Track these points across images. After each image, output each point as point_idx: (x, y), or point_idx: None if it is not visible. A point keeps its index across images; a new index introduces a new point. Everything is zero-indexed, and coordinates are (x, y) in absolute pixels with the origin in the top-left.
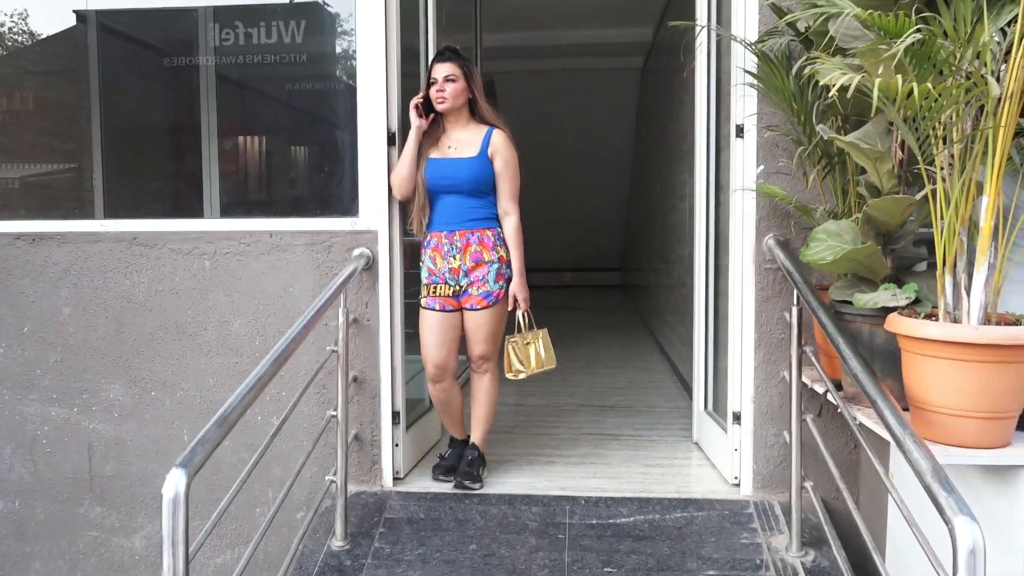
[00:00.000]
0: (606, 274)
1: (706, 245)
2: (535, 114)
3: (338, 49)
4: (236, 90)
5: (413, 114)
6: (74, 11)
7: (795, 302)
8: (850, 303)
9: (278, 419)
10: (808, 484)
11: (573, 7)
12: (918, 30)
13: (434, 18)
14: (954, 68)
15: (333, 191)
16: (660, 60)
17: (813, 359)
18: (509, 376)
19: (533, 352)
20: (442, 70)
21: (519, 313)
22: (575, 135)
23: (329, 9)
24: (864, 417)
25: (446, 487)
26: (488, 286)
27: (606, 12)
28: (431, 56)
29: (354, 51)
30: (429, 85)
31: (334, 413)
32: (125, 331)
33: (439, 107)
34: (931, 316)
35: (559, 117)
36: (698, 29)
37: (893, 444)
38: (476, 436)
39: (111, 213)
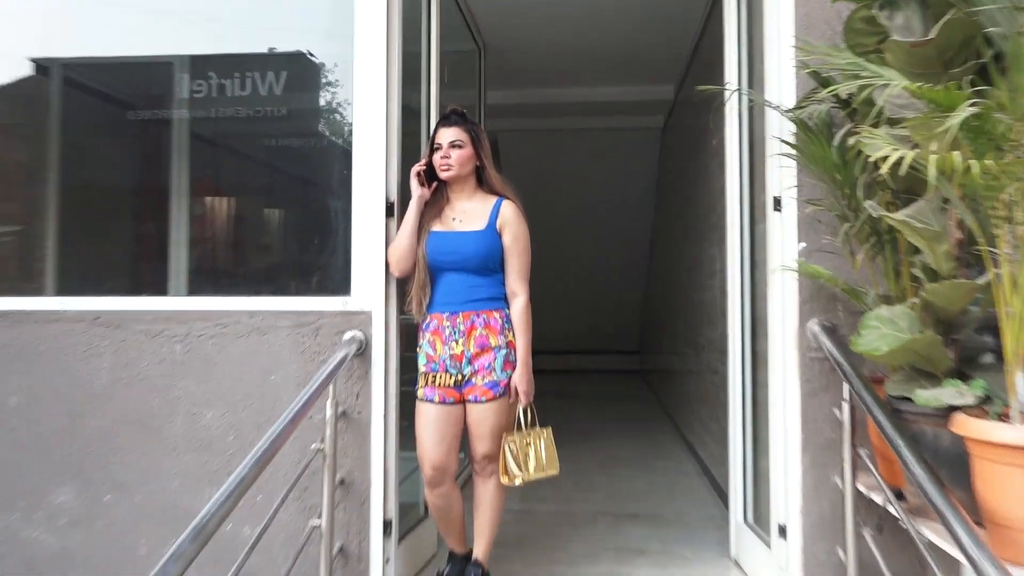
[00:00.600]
0: (622, 358)
1: (741, 328)
2: (543, 177)
3: (325, 104)
4: (211, 149)
5: (414, 182)
6: (32, 59)
7: (846, 397)
8: (909, 400)
9: (252, 528)
10: None
11: (588, 64)
12: (973, 103)
13: (437, 75)
14: (1013, 143)
15: (322, 266)
16: (684, 119)
17: (869, 463)
18: (504, 481)
19: (533, 454)
20: (447, 135)
21: (520, 408)
22: (587, 200)
23: (314, 59)
24: (931, 533)
25: None
26: (495, 375)
27: (623, 69)
28: (433, 115)
29: (338, 104)
30: (432, 150)
31: (317, 523)
32: (79, 424)
33: (443, 175)
34: (1003, 416)
35: (570, 180)
36: (728, 93)
37: (967, 565)
38: (480, 550)
39: (65, 288)
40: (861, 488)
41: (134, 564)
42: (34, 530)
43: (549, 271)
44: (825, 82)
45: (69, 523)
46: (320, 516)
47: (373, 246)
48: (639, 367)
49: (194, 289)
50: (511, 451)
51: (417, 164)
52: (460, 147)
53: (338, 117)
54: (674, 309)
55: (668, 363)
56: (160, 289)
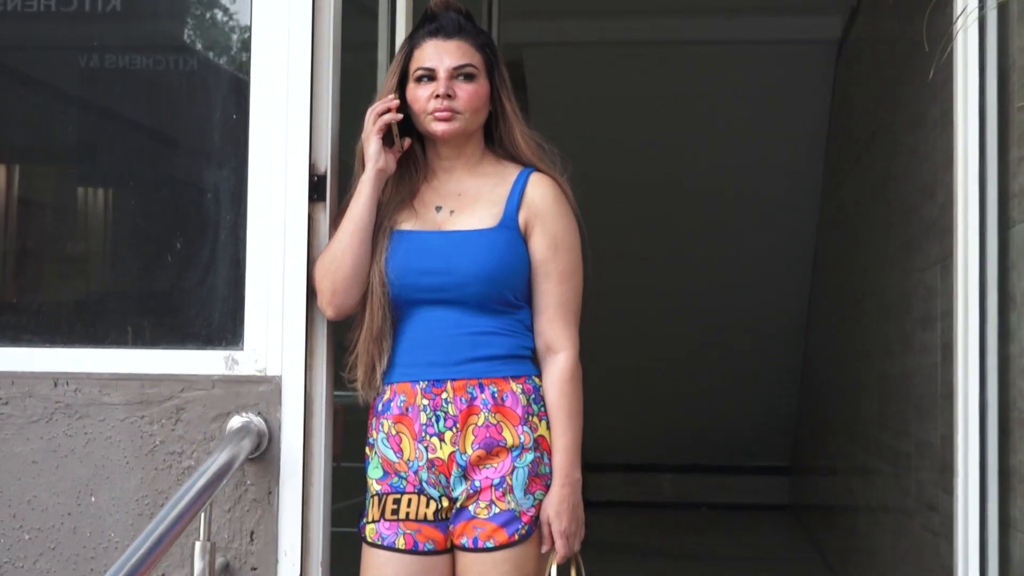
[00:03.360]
0: (756, 482)
1: (982, 425)
2: (608, 135)
3: None
4: None
5: (374, 142)
6: None
7: None
8: None
9: None
10: None
11: None
12: None
13: None
14: None
15: (188, 294)
16: (881, 26)
17: None
18: None
19: None
20: (446, 54)
21: (553, 564)
22: (692, 182)
23: None
24: None
25: None
26: (512, 501)
27: None
28: (404, 13)
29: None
30: (406, 81)
31: None
32: None
33: (440, 127)
34: None
35: (662, 143)
36: None
37: None
38: None
39: None
40: None
41: None
42: None
43: (616, 312)
44: None
45: None
46: None
47: (286, 258)
48: (789, 499)
49: None
50: None
51: (381, 102)
52: (471, 78)
53: (222, 16)
54: (854, 389)
55: (843, 491)
56: None
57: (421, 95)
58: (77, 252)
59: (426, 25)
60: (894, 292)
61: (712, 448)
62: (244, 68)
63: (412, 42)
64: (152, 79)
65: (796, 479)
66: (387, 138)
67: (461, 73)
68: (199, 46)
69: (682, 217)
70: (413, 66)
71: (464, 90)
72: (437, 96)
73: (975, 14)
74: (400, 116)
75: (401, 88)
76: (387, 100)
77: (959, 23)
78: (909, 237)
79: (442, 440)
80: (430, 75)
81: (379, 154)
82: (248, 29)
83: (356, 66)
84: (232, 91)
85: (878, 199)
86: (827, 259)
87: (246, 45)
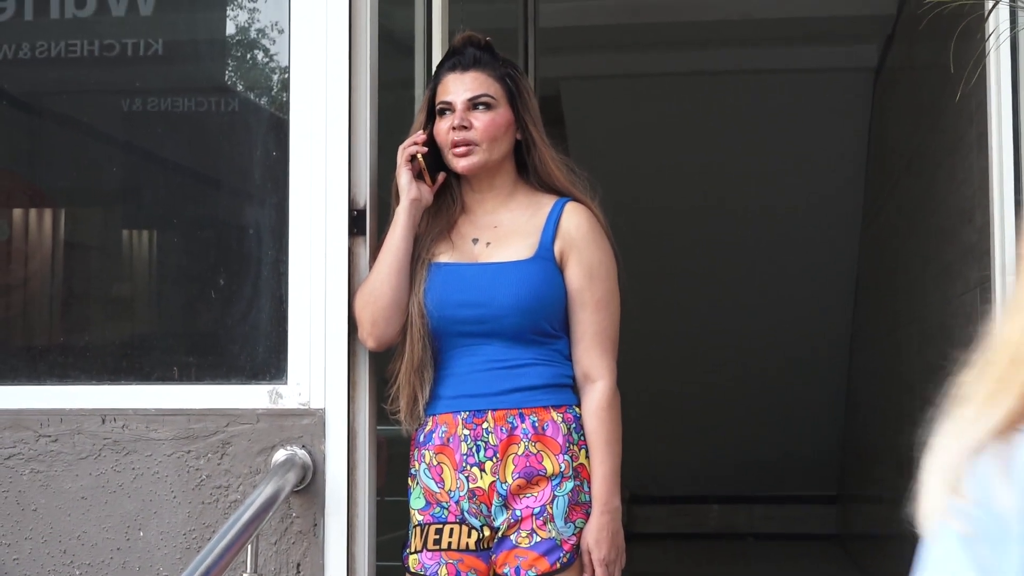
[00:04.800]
0: (802, 509)
1: None
2: (644, 163)
3: (236, 32)
4: (20, 119)
5: (405, 174)
6: None
7: None
8: None
9: None
10: None
11: None
12: None
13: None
14: None
15: (231, 330)
16: (916, 52)
17: None
18: None
19: None
20: (463, 86)
21: None
22: (731, 204)
23: None
24: None
25: None
26: (553, 529)
27: None
28: (436, 49)
29: (261, 32)
30: (432, 116)
31: None
32: None
33: (459, 163)
34: None
35: (699, 169)
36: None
37: None
38: None
39: None
40: None
41: None
42: None
43: (656, 341)
44: None
45: None
46: None
47: (327, 292)
48: (837, 528)
49: None
50: None
51: (409, 139)
52: (488, 107)
53: (262, 57)
54: (898, 416)
55: (890, 519)
56: None
57: (442, 128)
58: (123, 292)
59: (447, 61)
60: (935, 317)
61: (759, 477)
62: (284, 107)
63: (435, 79)
64: (193, 120)
65: (844, 508)
66: (419, 174)
67: (478, 103)
68: (239, 87)
69: (723, 243)
70: (436, 101)
71: (480, 120)
72: (454, 128)
73: (1007, 34)
74: (425, 149)
75: (432, 123)
76: (414, 136)
77: (991, 43)
78: (949, 261)
79: (482, 470)
80: (449, 108)
81: (411, 185)
82: (287, 69)
83: (395, 103)
84: (272, 130)
85: (918, 224)
86: (869, 285)
87: (285, 85)
